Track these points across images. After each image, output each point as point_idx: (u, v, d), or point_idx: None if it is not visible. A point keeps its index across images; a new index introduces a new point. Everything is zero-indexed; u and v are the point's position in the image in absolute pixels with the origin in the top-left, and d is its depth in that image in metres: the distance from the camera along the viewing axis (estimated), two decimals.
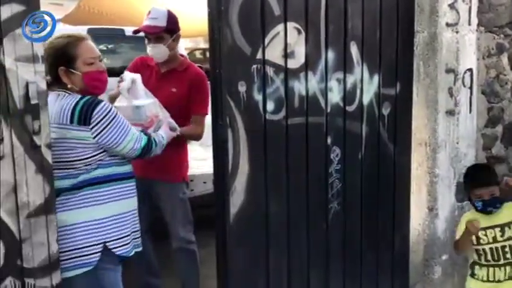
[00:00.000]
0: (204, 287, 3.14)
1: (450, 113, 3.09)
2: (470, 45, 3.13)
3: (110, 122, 2.09)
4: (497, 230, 2.66)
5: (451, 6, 3.00)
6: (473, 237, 2.67)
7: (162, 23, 2.89)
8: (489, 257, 2.68)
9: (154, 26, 2.89)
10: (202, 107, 2.92)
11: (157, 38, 2.89)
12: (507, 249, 2.66)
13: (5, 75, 2.01)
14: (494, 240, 2.66)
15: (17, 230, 2.10)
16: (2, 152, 2.04)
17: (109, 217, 2.13)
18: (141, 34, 3.04)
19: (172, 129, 2.58)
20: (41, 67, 2.09)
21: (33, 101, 2.05)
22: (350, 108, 2.76)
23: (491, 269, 2.69)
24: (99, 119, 2.06)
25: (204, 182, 4.11)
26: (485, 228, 2.67)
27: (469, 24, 3.11)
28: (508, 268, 2.67)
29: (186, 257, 3.03)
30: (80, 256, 2.07)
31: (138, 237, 2.27)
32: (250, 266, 2.51)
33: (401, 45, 2.94)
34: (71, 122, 2.06)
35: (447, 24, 3.01)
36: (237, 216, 2.41)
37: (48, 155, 2.15)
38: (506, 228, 2.67)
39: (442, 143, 3.07)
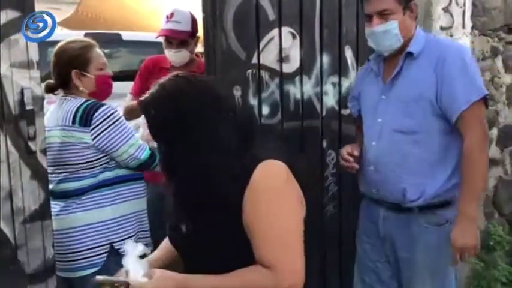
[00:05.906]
0: None
1: None
2: None
3: (110, 125, 2.08)
4: None
5: (445, 9, 3.01)
6: None
7: (187, 27, 2.70)
8: None
9: (180, 31, 2.69)
10: None
11: (180, 43, 2.71)
12: None
13: (0, 81, 2.01)
14: None
15: (12, 236, 2.10)
16: None
17: (116, 218, 2.14)
18: (137, 38, 2.95)
19: None
20: (36, 73, 2.09)
21: (28, 107, 2.06)
22: (345, 112, 2.76)
23: None
24: (99, 121, 2.07)
25: None
26: None
27: (463, 27, 3.12)
28: None
29: None
30: (88, 257, 2.11)
31: (146, 237, 2.26)
32: None
33: None
34: (73, 122, 2.08)
35: (441, 28, 3.02)
36: None
37: (43, 161, 2.15)
38: None
39: None
